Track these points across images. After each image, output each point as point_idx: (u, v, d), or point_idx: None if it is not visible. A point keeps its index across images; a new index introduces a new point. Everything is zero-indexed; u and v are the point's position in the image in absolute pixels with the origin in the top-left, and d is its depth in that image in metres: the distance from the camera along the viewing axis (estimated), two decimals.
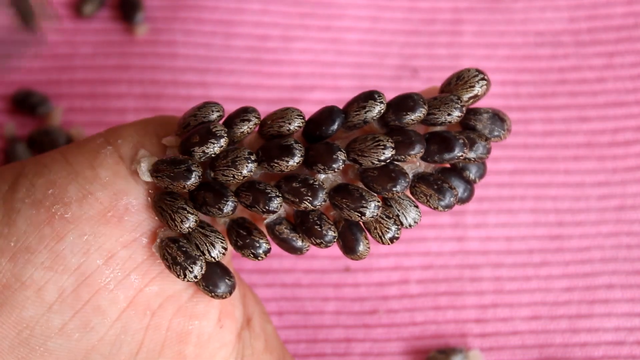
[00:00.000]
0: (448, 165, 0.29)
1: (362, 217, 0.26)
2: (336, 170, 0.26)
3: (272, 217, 0.27)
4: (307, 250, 0.28)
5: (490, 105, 0.35)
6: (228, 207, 0.26)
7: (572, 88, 0.45)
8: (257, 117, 0.27)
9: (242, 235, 0.27)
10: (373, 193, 0.27)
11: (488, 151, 0.28)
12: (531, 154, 0.43)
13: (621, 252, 0.41)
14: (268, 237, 0.28)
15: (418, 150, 0.26)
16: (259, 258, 0.27)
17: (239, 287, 0.31)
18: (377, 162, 0.26)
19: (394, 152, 0.26)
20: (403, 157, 0.26)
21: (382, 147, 0.26)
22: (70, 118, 0.43)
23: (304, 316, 0.40)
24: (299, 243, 0.27)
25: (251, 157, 0.26)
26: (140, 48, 0.45)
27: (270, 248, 0.27)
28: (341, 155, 0.26)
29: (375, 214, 0.26)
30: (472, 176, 0.29)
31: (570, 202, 0.42)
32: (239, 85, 0.44)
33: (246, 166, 0.26)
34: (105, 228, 0.26)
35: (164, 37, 0.45)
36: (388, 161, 0.26)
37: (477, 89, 0.28)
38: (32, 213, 0.26)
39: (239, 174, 0.26)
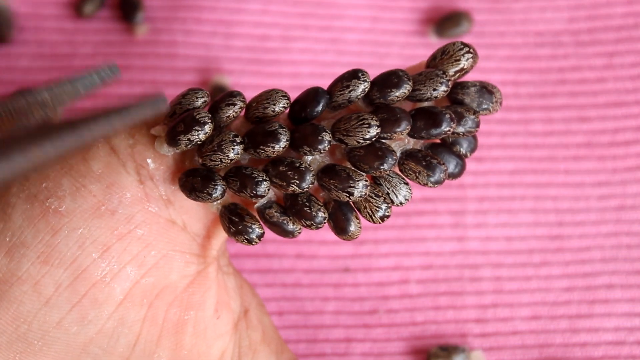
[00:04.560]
0: (438, 141, 0.28)
1: (351, 197, 0.26)
2: (322, 151, 0.26)
3: (262, 201, 0.27)
4: (299, 233, 0.27)
5: None
6: (217, 191, 0.26)
7: (572, 88, 0.45)
8: (242, 101, 0.27)
9: (235, 222, 0.27)
10: (361, 172, 0.26)
11: (477, 125, 0.27)
12: (531, 154, 0.43)
13: (621, 252, 0.41)
14: (260, 222, 0.28)
15: (404, 127, 0.26)
16: (253, 243, 0.27)
17: (235, 279, 0.31)
18: (363, 141, 0.26)
19: (379, 131, 0.26)
20: (389, 134, 0.26)
21: (367, 125, 0.26)
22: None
23: (304, 316, 0.40)
24: (290, 226, 0.27)
25: (236, 139, 0.26)
26: (140, 48, 0.45)
27: (263, 232, 0.27)
28: (326, 136, 0.26)
29: (363, 193, 0.26)
30: (463, 151, 0.28)
31: (570, 202, 0.42)
32: (239, 85, 0.44)
33: (232, 149, 0.26)
34: (100, 221, 0.26)
35: (164, 37, 0.45)
36: (374, 139, 0.26)
37: (463, 63, 0.27)
38: (27, 207, 0.26)
39: (226, 157, 0.26)
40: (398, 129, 0.26)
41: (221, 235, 0.29)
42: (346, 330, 0.39)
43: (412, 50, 0.46)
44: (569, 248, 0.41)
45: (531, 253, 0.41)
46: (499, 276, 0.40)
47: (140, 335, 0.27)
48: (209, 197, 0.26)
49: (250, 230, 0.27)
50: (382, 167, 0.26)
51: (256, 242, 0.27)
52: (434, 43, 0.46)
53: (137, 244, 0.27)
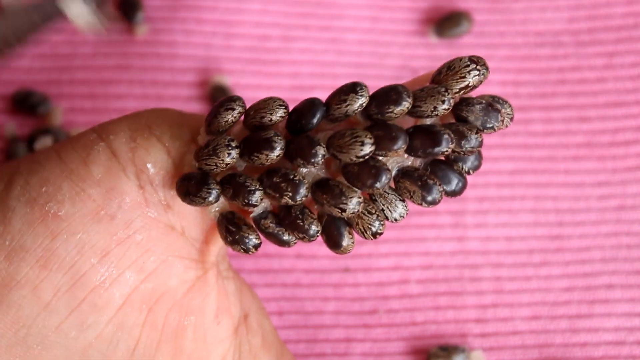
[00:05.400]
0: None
1: (343, 213, 0.26)
2: (315, 164, 0.25)
3: (258, 211, 0.27)
4: (295, 243, 0.27)
5: None
6: (211, 196, 0.26)
7: (572, 88, 0.45)
8: (241, 106, 0.26)
9: (232, 231, 0.27)
10: (354, 189, 0.26)
11: (480, 144, 0.26)
12: (531, 154, 0.43)
13: (621, 252, 0.41)
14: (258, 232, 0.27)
15: (399, 145, 0.25)
16: (249, 252, 0.27)
17: (235, 283, 0.31)
18: (356, 159, 0.25)
19: (373, 149, 0.25)
20: (384, 152, 0.26)
21: (360, 143, 0.25)
22: (70, 118, 0.43)
23: (304, 316, 0.40)
24: (286, 237, 0.27)
25: (232, 143, 0.26)
26: (140, 48, 0.45)
27: (260, 242, 0.27)
28: (320, 150, 0.25)
29: (356, 210, 0.26)
30: (465, 168, 0.27)
31: (570, 202, 0.42)
32: (239, 85, 0.44)
33: (227, 153, 0.26)
34: (99, 226, 0.26)
35: (164, 37, 0.45)
36: (368, 157, 0.25)
37: (469, 80, 0.26)
38: (27, 211, 0.26)
39: (221, 161, 0.26)
40: (393, 147, 0.25)
41: (219, 242, 0.29)
42: (346, 330, 0.39)
43: (412, 50, 0.46)
44: (569, 248, 0.41)
45: (531, 253, 0.41)
46: (499, 276, 0.40)
47: (140, 340, 0.27)
48: (203, 201, 0.26)
49: (247, 240, 0.27)
50: (375, 186, 0.25)
51: (253, 252, 0.27)
52: (434, 43, 0.46)
53: (136, 250, 0.27)
